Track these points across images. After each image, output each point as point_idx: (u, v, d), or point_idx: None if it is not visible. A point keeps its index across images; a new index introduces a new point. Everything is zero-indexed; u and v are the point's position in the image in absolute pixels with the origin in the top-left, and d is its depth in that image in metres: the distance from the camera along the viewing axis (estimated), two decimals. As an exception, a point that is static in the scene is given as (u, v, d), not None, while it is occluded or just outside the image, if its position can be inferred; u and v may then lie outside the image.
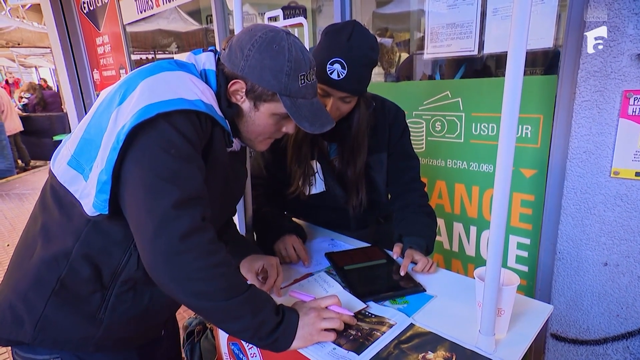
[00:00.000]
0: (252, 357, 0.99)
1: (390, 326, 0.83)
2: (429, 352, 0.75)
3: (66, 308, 0.77)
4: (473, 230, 1.66)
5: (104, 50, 3.51)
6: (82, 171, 0.73)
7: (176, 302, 0.93)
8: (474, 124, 1.54)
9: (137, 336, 0.88)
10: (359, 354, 0.75)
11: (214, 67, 0.82)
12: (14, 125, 6.48)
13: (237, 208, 1.11)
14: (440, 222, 1.74)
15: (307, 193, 1.22)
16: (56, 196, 0.78)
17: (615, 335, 1.21)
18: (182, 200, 0.67)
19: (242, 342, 1.01)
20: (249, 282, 0.77)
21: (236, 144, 0.94)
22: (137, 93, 0.69)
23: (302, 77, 0.81)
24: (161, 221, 0.65)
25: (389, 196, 1.31)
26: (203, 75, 0.82)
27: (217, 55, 0.85)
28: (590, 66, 1.11)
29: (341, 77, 1.01)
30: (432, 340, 0.79)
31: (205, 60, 0.83)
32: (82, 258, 0.76)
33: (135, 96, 0.69)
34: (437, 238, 1.77)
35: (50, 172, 0.81)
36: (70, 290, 0.77)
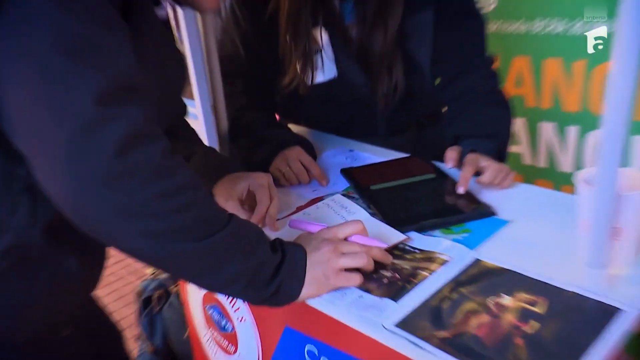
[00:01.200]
0: (240, 321, 0.79)
1: (444, 262, 0.64)
2: (504, 295, 0.58)
3: None
4: (572, 131, 1.29)
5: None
6: None
7: (91, 283, 0.70)
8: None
9: (24, 332, 0.65)
10: (396, 301, 0.57)
11: None
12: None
13: (202, 108, 0.86)
14: (519, 121, 1.39)
15: (309, 83, 0.95)
16: None
17: None
18: (108, 90, 0.44)
19: (224, 303, 0.80)
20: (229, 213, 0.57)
21: (163, 10, 0.69)
22: None
23: None
24: (79, 129, 0.44)
25: (437, 81, 1.00)
26: None
27: None
28: None
29: None
30: (507, 280, 0.61)
31: None
32: None
33: None
34: (514, 148, 1.43)
35: None
36: None
